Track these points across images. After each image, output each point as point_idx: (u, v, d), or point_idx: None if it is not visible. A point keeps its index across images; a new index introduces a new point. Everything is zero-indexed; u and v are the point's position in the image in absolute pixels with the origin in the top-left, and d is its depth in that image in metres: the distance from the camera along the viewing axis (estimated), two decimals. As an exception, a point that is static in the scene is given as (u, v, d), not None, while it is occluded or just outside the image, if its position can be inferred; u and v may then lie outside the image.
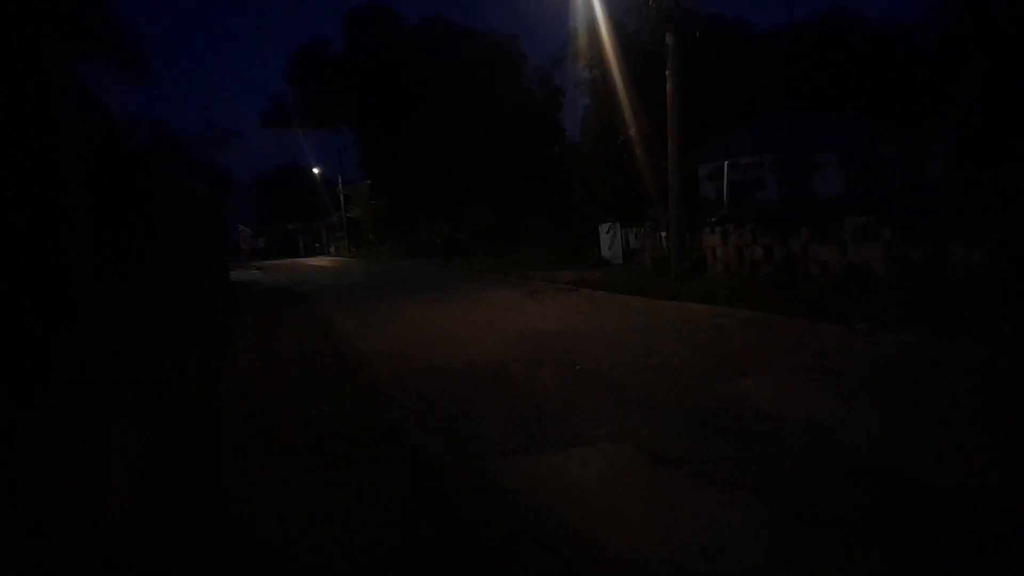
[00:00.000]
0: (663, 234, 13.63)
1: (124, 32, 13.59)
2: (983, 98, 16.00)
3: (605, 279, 14.38)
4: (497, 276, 18.36)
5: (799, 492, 3.47)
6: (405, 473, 4.19)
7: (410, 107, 36.36)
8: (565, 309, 10.71)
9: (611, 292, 12.31)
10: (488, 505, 3.63)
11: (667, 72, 12.20)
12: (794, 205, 15.29)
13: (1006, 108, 15.33)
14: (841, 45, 34.45)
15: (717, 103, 25.50)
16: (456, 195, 33.50)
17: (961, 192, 12.58)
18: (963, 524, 3.05)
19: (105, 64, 13.22)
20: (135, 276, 4.25)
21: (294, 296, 16.73)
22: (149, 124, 20.93)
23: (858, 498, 3.39)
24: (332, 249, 51.56)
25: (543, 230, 23.51)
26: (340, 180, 49.83)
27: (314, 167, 51.58)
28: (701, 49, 20.35)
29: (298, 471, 4.25)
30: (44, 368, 2.36)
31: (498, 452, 4.38)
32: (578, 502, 3.55)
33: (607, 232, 19.36)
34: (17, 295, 2.20)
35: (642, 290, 11.70)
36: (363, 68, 36.84)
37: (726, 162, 12.18)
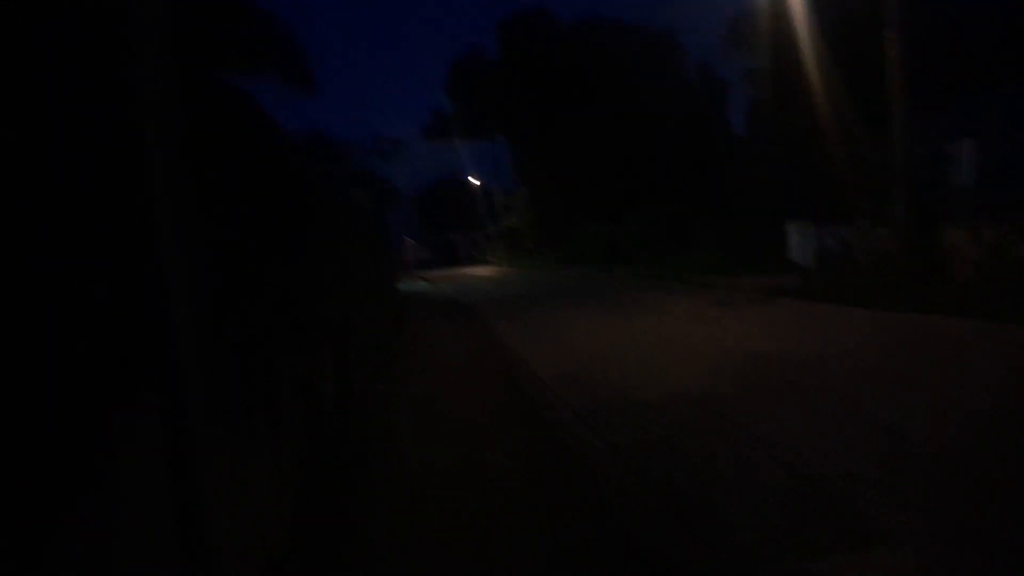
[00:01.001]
0: (883, 231, 11.42)
1: (288, 47, 13.74)
2: None
3: (804, 287, 12.38)
4: (670, 283, 16.74)
5: None
6: None
7: (565, 110, 35.48)
8: (770, 324, 9.03)
9: (819, 302, 10.38)
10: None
11: (888, 35, 10.09)
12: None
13: None
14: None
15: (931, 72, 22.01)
16: (617, 199, 32.06)
17: None
18: None
19: (271, 78, 13.51)
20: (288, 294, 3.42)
21: (460, 307, 16.21)
22: (312, 134, 21.47)
23: None
24: (490, 258, 51.97)
25: (715, 232, 21.47)
26: (498, 189, 50.10)
27: (472, 178, 52.30)
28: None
29: None
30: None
31: (761, 554, 3.04)
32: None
33: (798, 232, 17.07)
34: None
35: (864, 300, 9.69)
36: (517, 73, 36.52)
37: (969, 140, 9.85)
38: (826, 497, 3.48)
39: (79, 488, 1.37)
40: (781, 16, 27.59)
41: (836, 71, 22.52)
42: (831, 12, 19.21)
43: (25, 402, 1.24)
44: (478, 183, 51.58)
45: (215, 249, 2.27)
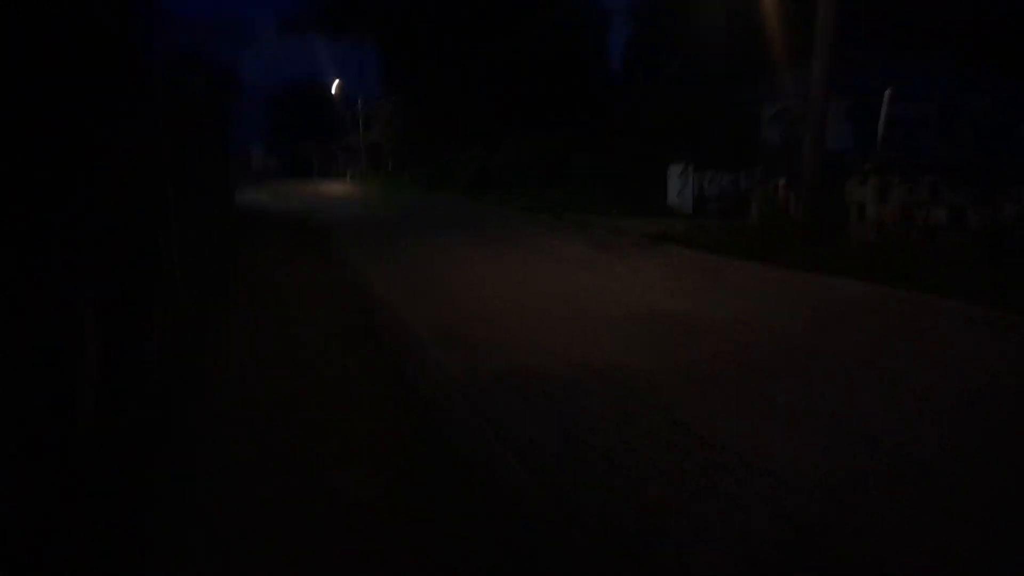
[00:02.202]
0: (781, 183, 10.85)
1: None
2: None
3: (691, 234, 11.70)
4: (546, 219, 15.64)
5: None
6: None
7: (444, 21, 32.80)
8: (667, 275, 8.10)
9: (713, 253, 9.65)
10: None
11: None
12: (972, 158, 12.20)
13: None
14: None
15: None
16: (491, 124, 30.34)
17: None
18: None
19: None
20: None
21: (311, 231, 14.13)
22: None
23: None
24: (348, 174, 48.57)
25: (594, 169, 20.61)
26: (360, 99, 46.42)
27: (332, 82, 48.03)
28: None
29: None
30: None
31: None
32: None
33: (679, 175, 16.51)
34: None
35: (758, 254, 9.04)
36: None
37: (887, 92, 9.34)
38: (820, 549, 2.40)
39: None
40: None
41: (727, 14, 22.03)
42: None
43: None
44: (337, 89, 47.51)
45: None
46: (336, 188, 35.97)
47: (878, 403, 3.96)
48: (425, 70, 34.14)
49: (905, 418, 3.72)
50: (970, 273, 6.83)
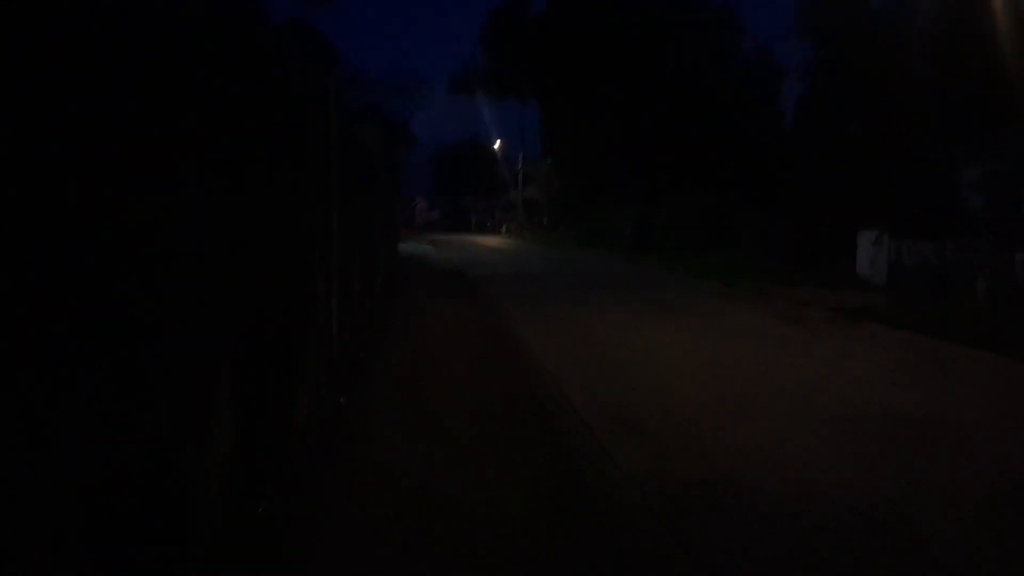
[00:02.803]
0: (1020, 257, 9.05)
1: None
2: None
3: (895, 311, 10.05)
4: (715, 286, 14.37)
5: None
6: None
7: (606, 78, 32.74)
8: (886, 363, 6.71)
9: (931, 338, 8.05)
10: None
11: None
12: None
13: None
14: None
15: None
16: (649, 181, 29.52)
17: None
18: None
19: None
20: None
21: (467, 284, 13.89)
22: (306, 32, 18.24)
23: None
24: (504, 229, 49.52)
25: (762, 229, 19.05)
26: (520, 158, 47.49)
27: (494, 140, 49.65)
28: None
29: None
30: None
31: None
32: None
33: (872, 243, 14.66)
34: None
35: (996, 343, 7.36)
36: (561, 31, 33.65)
37: None
38: None
39: None
40: (859, 3, 24.85)
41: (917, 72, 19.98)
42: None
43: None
44: (499, 147, 48.96)
45: None
46: (491, 242, 36.57)
47: None
48: (585, 127, 34.14)
49: None
50: None
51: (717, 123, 30.29)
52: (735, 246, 20.43)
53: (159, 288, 1.86)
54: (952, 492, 3.55)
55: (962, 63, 19.19)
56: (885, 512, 3.28)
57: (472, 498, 3.33)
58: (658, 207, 26.07)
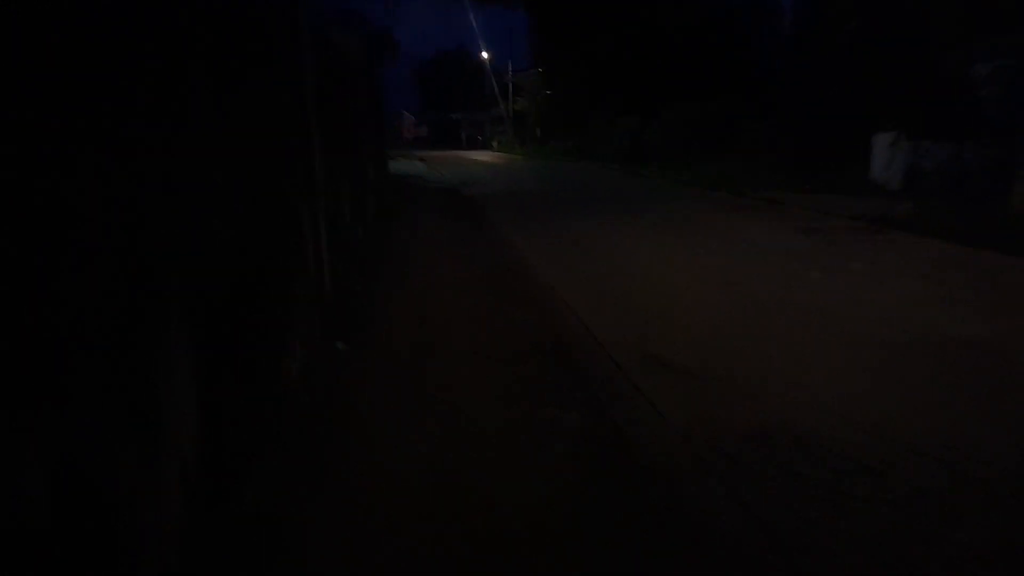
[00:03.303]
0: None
1: None
2: None
3: (921, 218, 9.44)
4: (725, 196, 13.68)
5: None
6: None
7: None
8: (927, 278, 6.16)
9: (968, 247, 7.48)
10: None
11: None
12: None
13: None
14: None
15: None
16: (645, 92, 28.15)
17: None
18: None
19: None
20: None
21: (466, 203, 13.14)
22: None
23: None
24: (495, 143, 48.00)
25: (767, 135, 18.18)
26: (509, 68, 45.47)
27: (481, 51, 47.37)
28: None
29: None
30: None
31: None
32: None
33: (889, 146, 13.90)
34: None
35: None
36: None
37: None
38: None
39: None
40: None
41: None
42: None
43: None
44: (487, 57, 46.80)
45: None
46: (484, 157, 35.39)
47: None
48: (576, 37, 32.37)
49: None
50: None
51: (713, 29, 28.68)
52: (737, 154, 19.56)
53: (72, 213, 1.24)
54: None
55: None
56: (988, 470, 2.78)
57: (502, 474, 2.80)
58: (653, 118, 24.93)
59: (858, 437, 3.06)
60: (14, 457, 1.10)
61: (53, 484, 1.19)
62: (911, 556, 2.25)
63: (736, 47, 28.01)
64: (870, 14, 21.48)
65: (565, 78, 34.94)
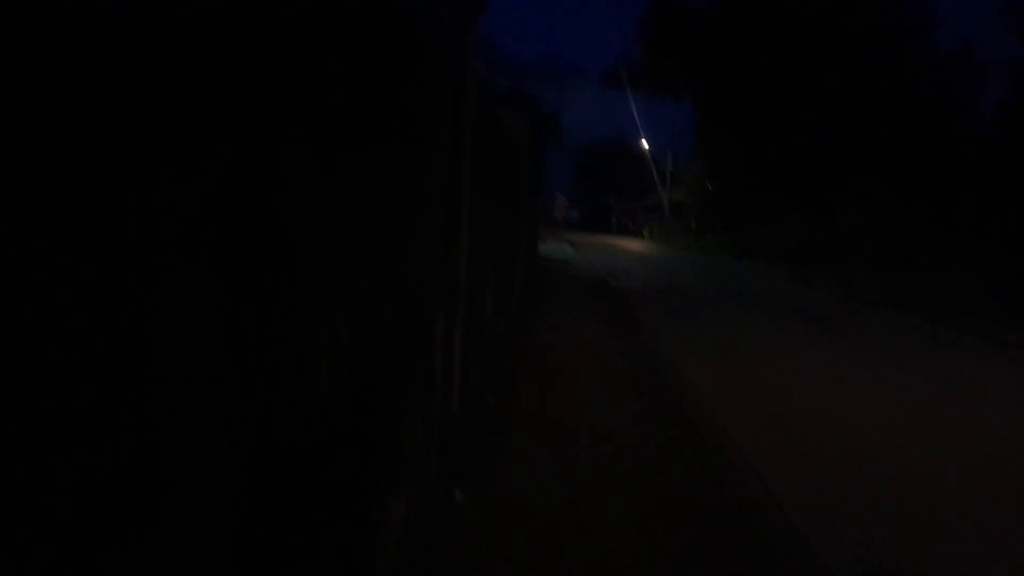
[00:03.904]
0: None
1: None
2: None
3: None
4: (971, 342, 9.88)
5: None
6: None
7: (776, 79, 29.59)
8: None
9: None
10: None
11: None
12: None
13: None
14: None
15: None
16: (820, 191, 26.21)
17: None
18: None
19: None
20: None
21: (615, 299, 12.12)
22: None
23: None
24: (646, 232, 47.00)
25: (981, 255, 15.78)
26: (669, 159, 44.80)
27: (640, 138, 47.19)
28: None
29: None
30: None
31: None
32: None
33: None
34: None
35: None
36: (725, 26, 30.86)
37: None
38: None
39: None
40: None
41: None
42: None
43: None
44: (647, 146, 46.52)
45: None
46: (634, 246, 34.45)
47: None
48: (744, 128, 31.15)
49: None
50: None
51: (898, 129, 26.40)
52: (920, 270, 17.18)
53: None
54: None
55: None
56: None
57: None
58: (830, 220, 22.89)
59: None
60: None
61: None
62: None
63: (923, 149, 25.49)
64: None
65: (727, 170, 33.61)
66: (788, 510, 3.47)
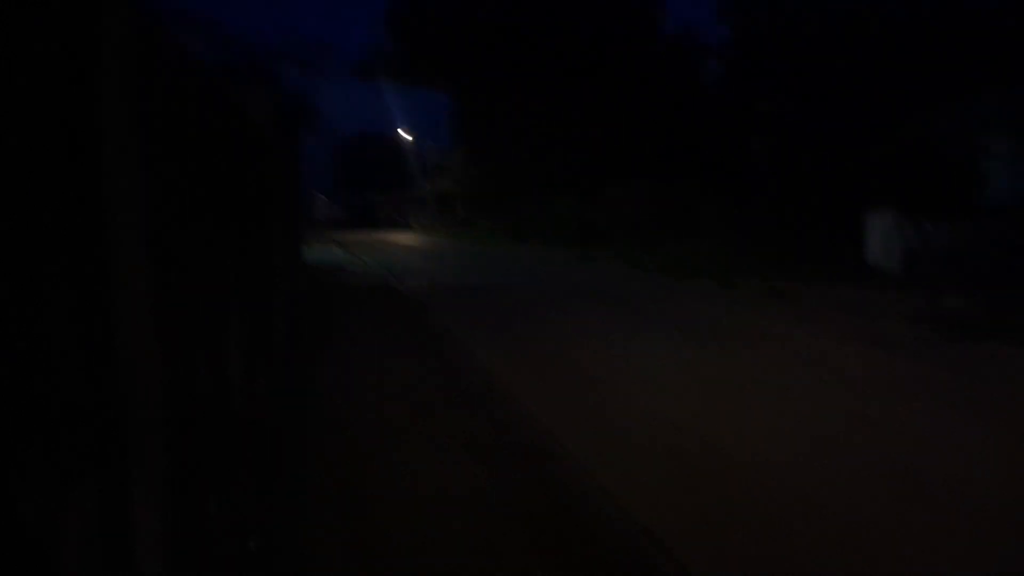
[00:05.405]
0: None
1: None
2: None
3: (991, 317, 7.54)
4: (709, 286, 11.63)
5: None
6: None
7: (526, 64, 29.75)
8: None
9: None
10: None
11: None
12: None
13: None
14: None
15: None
16: (585, 169, 26.77)
17: None
18: None
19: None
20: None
21: (405, 305, 10.41)
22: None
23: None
24: (414, 224, 45.68)
25: (742, 217, 16.64)
26: (431, 148, 43.84)
27: (399, 130, 45.64)
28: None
29: None
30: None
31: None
32: None
33: (894, 228, 12.35)
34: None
35: None
36: (477, 14, 30.41)
37: None
38: None
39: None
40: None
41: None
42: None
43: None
44: (408, 137, 45.15)
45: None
46: (407, 240, 32.85)
47: None
48: (503, 116, 31.08)
49: None
50: None
51: (642, 106, 27.93)
52: (693, 236, 17.92)
53: None
54: None
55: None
56: None
57: None
58: (598, 196, 23.32)
59: None
60: None
61: None
62: None
63: (674, 124, 27.20)
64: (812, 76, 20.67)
65: (492, 156, 33.42)
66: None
